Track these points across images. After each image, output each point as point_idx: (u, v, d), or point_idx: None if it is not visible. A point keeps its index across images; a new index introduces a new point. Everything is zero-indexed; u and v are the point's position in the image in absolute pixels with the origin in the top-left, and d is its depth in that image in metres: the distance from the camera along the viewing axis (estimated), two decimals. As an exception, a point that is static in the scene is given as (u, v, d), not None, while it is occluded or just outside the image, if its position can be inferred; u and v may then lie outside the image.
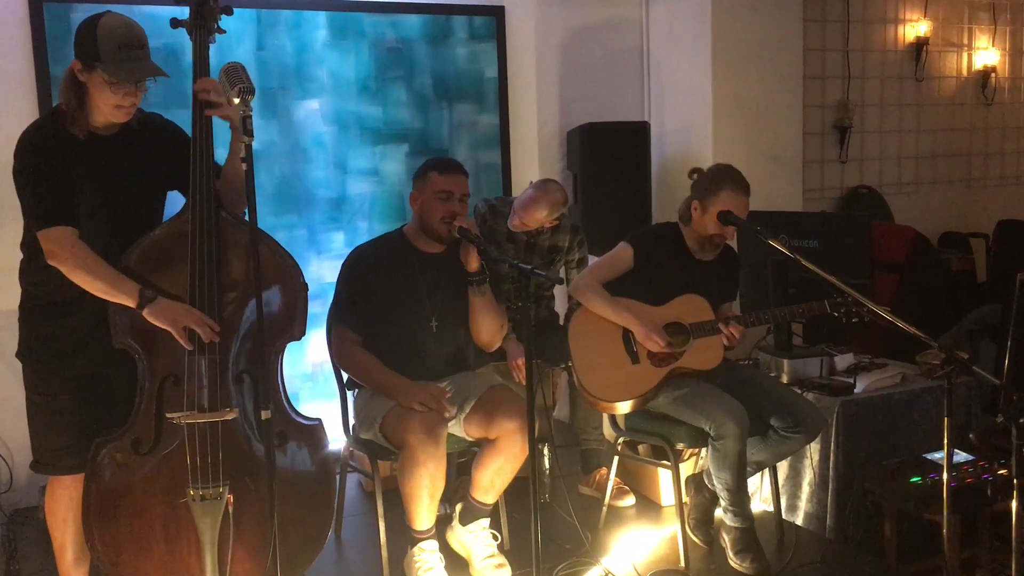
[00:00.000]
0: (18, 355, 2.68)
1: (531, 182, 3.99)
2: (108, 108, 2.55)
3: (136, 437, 2.54)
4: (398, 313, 3.21)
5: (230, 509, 2.51)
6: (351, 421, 3.35)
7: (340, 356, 3.24)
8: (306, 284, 2.72)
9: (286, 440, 2.63)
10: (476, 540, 3.19)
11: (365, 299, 3.20)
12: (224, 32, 2.69)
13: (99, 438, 2.57)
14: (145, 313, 2.47)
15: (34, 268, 2.59)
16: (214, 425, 2.51)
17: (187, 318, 2.49)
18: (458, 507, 3.27)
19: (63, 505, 2.71)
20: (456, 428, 3.20)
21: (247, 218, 2.39)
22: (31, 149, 2.53)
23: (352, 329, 3.18)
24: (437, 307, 3.24)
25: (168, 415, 2.50)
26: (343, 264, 3.29)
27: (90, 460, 2.54)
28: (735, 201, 3.22)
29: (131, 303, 2.48)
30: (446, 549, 3.20)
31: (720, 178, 3.25)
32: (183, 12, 2.65)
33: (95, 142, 2.59)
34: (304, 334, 2.72)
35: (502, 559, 3.16)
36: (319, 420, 2.74)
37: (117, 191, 2.61)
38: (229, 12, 2.69)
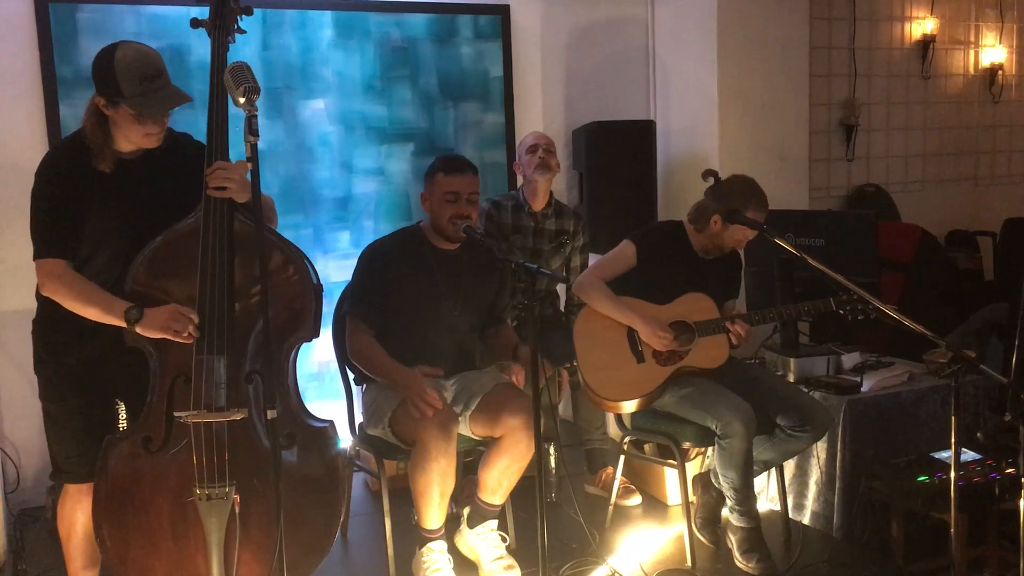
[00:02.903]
0: (34, 369, 2.69)
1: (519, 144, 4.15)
2: (137, 138, 2.56)
3: (147, 435, 2.54)
4: (415, 309, 3.21)
5: (237, 509, 2.51)
6: (357, 419, 3.36)
7: (353, 350, 3.22)
8: (320, 285, 2.71)
9: (294, 441, 2.62)
10: (484, 542, 3.19)
11: (381, 294, 3.20)
12: (244, 32, 2.69)
13: (111, 436, 2.58)
14: (137, 330, 2.48)
15: None
16: (221, 425, 2.50)
17: (173, 320, 2.47)
18: (465, 510, 3.27)
19: (74, 514, 2.72)
20: (462, 427, 3.19)
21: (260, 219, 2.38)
22: (46, 177, 2.53)
23: (366, 323, 3.18)
24: (457, 299, 3.25)
25: (176, 414, 2.50)
26: (360, 258, 3.30)
27: (101, 456, 2.54)
28: (757, 219, 3.24)
29: (122, 323, 2.49)
30: (455, 553, 3.20)
31: (747, 199, 3.24)
32: (200, 12, 2.64)
33: (120, 168, 2.59)
34: (317, 335, 2.71)
35: (511, 560, 3.15)
36: (331, 422, 2.72)
37: (141, 214, 2.60)
38: (249, 12, 2.69)
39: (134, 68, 2.47)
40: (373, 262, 3.25)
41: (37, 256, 2.54)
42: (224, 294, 2.52)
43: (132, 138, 2.57)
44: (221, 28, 2.62)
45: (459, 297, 3.26)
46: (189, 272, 2.54)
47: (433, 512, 3.01)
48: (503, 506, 3.25)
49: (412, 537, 3.09)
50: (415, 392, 2.97)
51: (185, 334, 2.48)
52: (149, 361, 2.56)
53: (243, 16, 2.68)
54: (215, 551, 2.49)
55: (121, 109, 2.50)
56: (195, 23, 2.64)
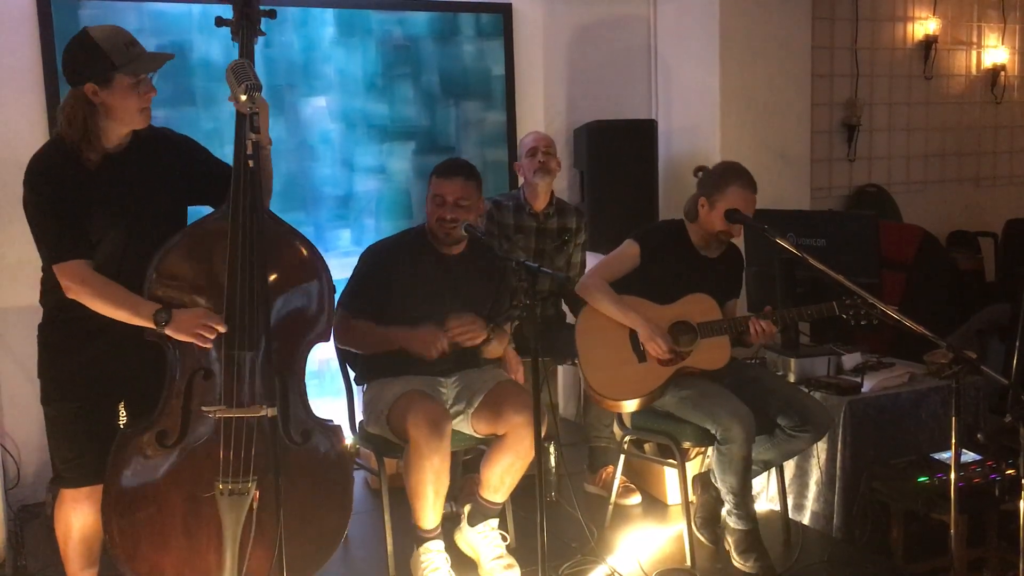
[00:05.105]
0: (39, 373, 2.67)
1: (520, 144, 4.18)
2: (133, 115, 2.55)
3: (162, 429, 2.54)
4: (414, 311, 3.21)
5: (255, 505, 2.50)
6: (358, 417, 3.36)
7: (340, 335, 3.24)
8: (334, 287, 2.74)
9: (310, 439, 2.63)
10: (485, 540, 3.18)
11: (380, 294, 3.20)
12: (264, 35, 2.70)
13: (124, 429, 2.57)
14: (167, 333, 2.48)
15: (61, 296, 2.55)
16: (249, 420, 2.51)
17: (201, 324, 2.48)
18: (466, 508, 3.26)
19: (69, 518, 2.70)
20: (464, 425, 3.19)
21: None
22: (39, 181, 2.51)
23: (348, 311, 3.19)
24: (454, 306, 3.25)
25: (204, 408, 2.51)
26: (361, 256, 3.31)
27: (114, 450, 2.53)
28: (743, 197, 3.23)
29: (150, 326, 2.49)
30: (454, 550, 3.20)
31: (728, 175, 3.26)
32: (223, 10, 2.66)
33: (108, 163, 2.57)
34: (331, 336, 2.75)
35: (511, 559, 3.15)
36: (331, 421, 2.74)
37: (134, 208, 2.59)
38: (272, 15, 2.71)
39: (116, 38, 2.49)
40: (373, 263, 3.26)
41: (57, 260, 2.51)
42: (253, 291, 2.52)
43: (126, 117, 2.54)
44: (248, 29, 2.63)
45: (458, 300, 3.25)
46: (214, 270, 2.55)
47: (428, 511, 3.00)
48: (504, 504, 3.25)
49: (412, 535, 3.09)
50: (433, 340, 3.07)
51: (212, 337, 2.49)
52: (167, 355, 2.56)
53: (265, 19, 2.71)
54: (230, 546, 2.49)
55: (116, 82, 2.48)
56: (220, 22, 2.65)
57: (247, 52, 2.62)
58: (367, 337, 3.23)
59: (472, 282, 3.29)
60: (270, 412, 2.38)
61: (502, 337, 3.37)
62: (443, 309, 3.22)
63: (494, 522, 3.20)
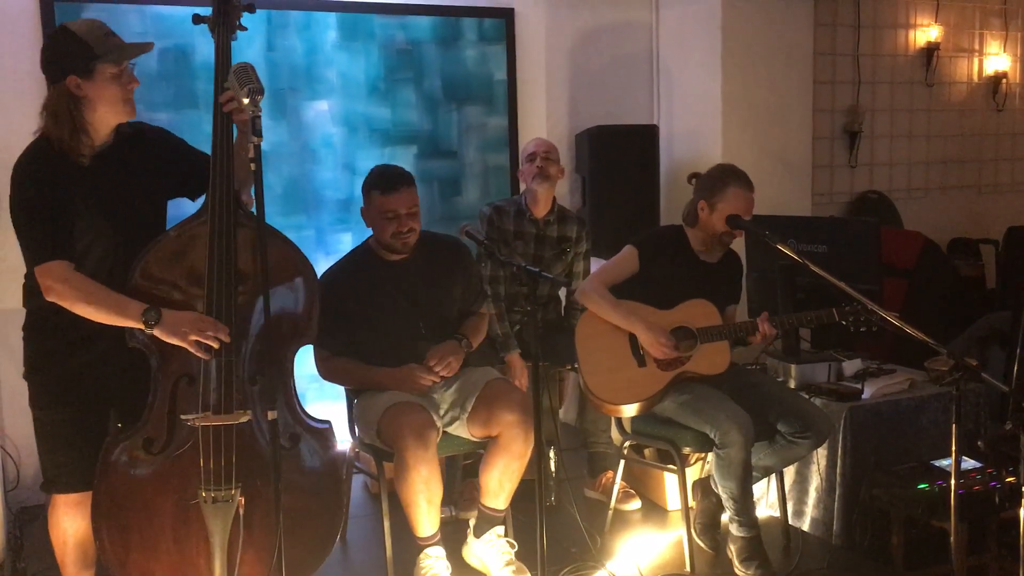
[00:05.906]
0: (24, 376, 2.64)
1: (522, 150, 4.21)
2: (116, 107, 2.52)
3: (148, 436, 2.52)
4: (385, 326, 3.22)
5: (241, 511, 2.50)
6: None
7: (324, 373, 3.26)
8: (318, 286, 2.73)
9: (298, 442, 2.62)
10: (492, 549, 3.17)
11: (346, 322, 3.18)
12: (245, 29, 2.68)
13: (111, 436, 2.56)
14: (155, 333, 2.45)
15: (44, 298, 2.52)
16: (228, 427, 2.49)
17: (194, 329, 2.46)
18: (471, 521, 3.26)
19: (63, 524, 2.68)
20: (461, 430, 3.19)
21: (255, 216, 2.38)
22: (31, 179, 2.47)
23: (326, 349, 3.19)
24: (421, 311, 3.25)
25: (183, 416, 2.49)
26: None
27: (101, 458, 2.52)
28: (742, 197, 3.24)
29: (138, 326, 2.45)
30: (463, 566, 3.20)
31: (726, 176, 3.28)
32: (203, 9, 2.65)
33: (96, 160, 2.55)
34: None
35: (520, 564, 3.13)
36: (328, 423, 2.73)
37: (122, 209, 2.57)
38: (251, 10, 2.68)
39: (95, 30, 2.49)
40: (329, 294, 3.18)
41: (38, 262, 2.46)
42: (232, 295, 2.51)
43: (110, 109, 2.52)
44: (224, 25, 2.61)
45: (420, 306, 3.25)
46: (196, 272, 2.53)
47: (424, 520, 3.00)
48: (506, 510, 3.23)
49: (410, 539, 3.08)
50: (413, 380, 3.12)
51: (214, 345, 2.46)
52: (151, 361, 2.54)
53: (244, 13, 2.67)
54: (218, 553, 2.48)
55: (98, 72, 2.46)
56: (197, 19, 2.64)
57: (224, 47, 2.59)
58: (351, 378, 3.26)
59: (427, 286, 3.27)
60: (271, 415, 2.37)
61: (477, 327, 3.38)
62: (407, 320, 3.22)
63: (500, 529, 3.19)
